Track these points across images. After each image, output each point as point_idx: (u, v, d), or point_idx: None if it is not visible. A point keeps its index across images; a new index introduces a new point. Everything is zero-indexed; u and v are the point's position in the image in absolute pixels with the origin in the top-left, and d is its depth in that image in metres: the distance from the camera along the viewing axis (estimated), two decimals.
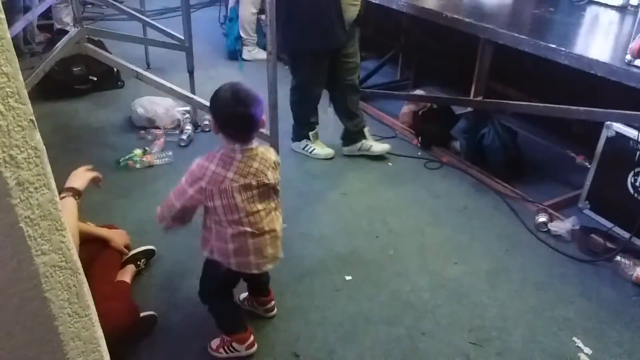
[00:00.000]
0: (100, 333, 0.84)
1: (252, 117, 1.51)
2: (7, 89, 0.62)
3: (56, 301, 0.74)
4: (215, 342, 1.81)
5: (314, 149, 3.02)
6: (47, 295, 0.72)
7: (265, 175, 1.57)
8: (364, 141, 3.02)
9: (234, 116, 1.51)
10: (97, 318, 0.83)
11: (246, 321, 1.84)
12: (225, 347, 1.80)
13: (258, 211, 1.58)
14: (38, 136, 0.67)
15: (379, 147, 3.03)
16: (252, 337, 1.80)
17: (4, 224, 0.66)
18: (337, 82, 2.93)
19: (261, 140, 2.26)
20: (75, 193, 1.76)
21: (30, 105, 0.65)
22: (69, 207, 1.69)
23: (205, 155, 1.56)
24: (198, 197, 1.54)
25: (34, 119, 0.66)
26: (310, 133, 3.02)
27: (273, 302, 1.97)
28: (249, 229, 1.58)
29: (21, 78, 0.64)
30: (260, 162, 1.57)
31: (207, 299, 1.80)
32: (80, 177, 1.82)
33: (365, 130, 3.04)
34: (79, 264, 0.77)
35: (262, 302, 1.95)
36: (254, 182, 1.55)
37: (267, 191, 1.61)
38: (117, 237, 2.05)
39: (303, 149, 3.05)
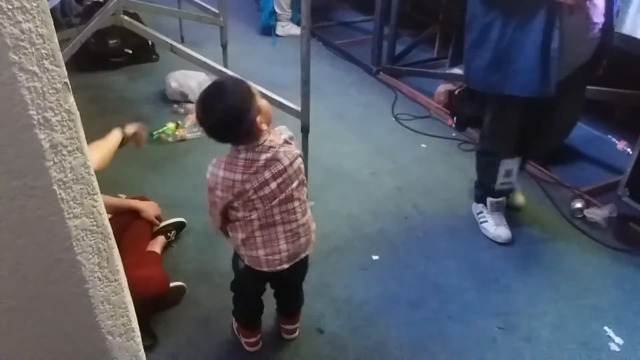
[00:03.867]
0: (129, 298, 0.85)
1: (225, 125, 1.38)
2: (43, 51, 0.62)
3: (87, 264, 0.75)
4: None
5: (485, 222, 2.33)
6: (78, 258, 0.73)
7: (279, 160, 1.42)
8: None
9: (210, 130, 1.41)
10: (126, 284, 0.84)
11: (259, 326, 1.76)
12: (235, 328, 1.81)
13: (277, 204, 1.46)
14: (72, 99, 0.67)
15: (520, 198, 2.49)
16: (256, 340, 1.76)
17: (38, 186, 0.66)
18: (528, 137, 2.20)
19: (291, 118, 2.25)
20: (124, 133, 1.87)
21: (64, 67, 0.65)
22: (111, 138, 1.81)
23: (215, 161, 1.45)
24: (224, 203, 1.45)
25: (67, 81, 0.66)
26: (489, 200, 2.32)
27: (295, 326, 1.81)
28: (256, 220, 1.45)
29: (56, 40, 0.64)
30: (269, 151, 1.41)
31: (232, 288, 1.72)
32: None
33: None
34: (110, 229, 0.78)
35: (284, 320, 1.81)
36: (267, 175, 1.41)
37: (288, 179, 1.45)
38: (149, 208, 2.08)
39: (477, 214, 2.39)
